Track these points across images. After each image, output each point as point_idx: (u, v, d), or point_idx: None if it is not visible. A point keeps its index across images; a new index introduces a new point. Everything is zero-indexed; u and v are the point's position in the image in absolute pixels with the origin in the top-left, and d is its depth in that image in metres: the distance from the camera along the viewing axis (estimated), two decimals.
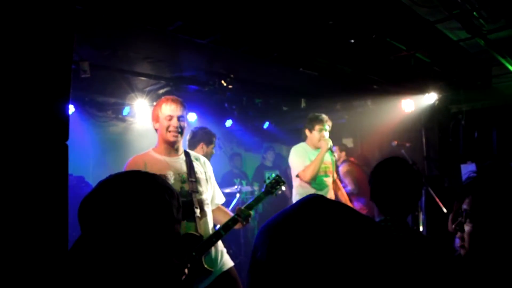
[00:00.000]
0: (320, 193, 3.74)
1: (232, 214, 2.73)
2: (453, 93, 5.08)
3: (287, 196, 6.94)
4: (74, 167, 4.73)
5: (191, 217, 2.49)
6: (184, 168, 2.60)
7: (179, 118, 2.62)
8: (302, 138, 4.29)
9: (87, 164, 5.43)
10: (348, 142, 6.84)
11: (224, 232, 2.59)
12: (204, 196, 2.63)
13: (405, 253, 1.58)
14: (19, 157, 0.98)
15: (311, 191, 3.86)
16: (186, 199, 2.50)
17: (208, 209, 2.66)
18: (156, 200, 0.97)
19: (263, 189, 2.92)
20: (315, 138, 4.01)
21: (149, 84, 4.94)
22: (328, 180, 4.00)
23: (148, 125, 5.60)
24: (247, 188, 5.92)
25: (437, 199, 4.41)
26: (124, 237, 0.92)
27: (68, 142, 1.21)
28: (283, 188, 2.95)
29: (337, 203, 0.63)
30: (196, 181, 2.60)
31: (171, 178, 2.52)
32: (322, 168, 3.93)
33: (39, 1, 1.10)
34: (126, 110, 5.30)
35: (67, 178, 1.11)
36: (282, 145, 8.10)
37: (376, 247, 0.56)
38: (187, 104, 5.87)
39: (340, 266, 0.51)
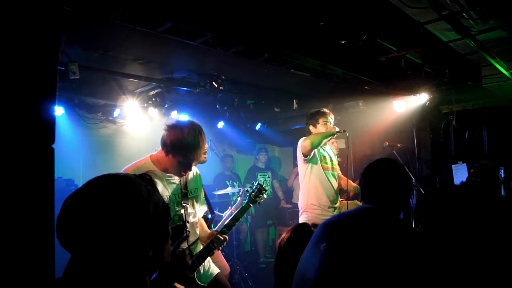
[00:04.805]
0: (330, 190, 3.73)
1: (206, 227, 2.78)
2: (444, 94, 5.11)
3: (279, 197, 6.96)
4: (64, 170, 4.67)
5: (182, 239, 2.49)
6: (179, 188, 2.51)
7: None
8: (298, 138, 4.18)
9: (77, 166, 5.37)
10: (340, 143, 6.85)
11: (213, 247, 2.62)
12: (196, 219, 2.64)
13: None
14: (0, 162, 0.95)
15: (322, 188, 3.75)
16: (179, 224, 2.49)
17: (198, 228, 2.68)
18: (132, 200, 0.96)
19: (246, 199, 2.93)
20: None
21: (139, 85, 4.90)
22: (334, 177, 3.89)
23: (138, 127, 5.60)
24: (239, 190, 5.91)
25: None
26: (109, 242, 0.92)
27: (57, 144, 1.16)
28: (265, 196, 2.99)
29: (384, 215, 0.80)
30: (190, 203, 2.58)
31: (168, 202, 2.41)
32: (330, 165, 3.86)
33: None
34: (116, 112, 5.27)
35: (53, 183, 1.07)
36: (275, 146, 8.07)
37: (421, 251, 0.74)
38: (178, 105, 5.83)
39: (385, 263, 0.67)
